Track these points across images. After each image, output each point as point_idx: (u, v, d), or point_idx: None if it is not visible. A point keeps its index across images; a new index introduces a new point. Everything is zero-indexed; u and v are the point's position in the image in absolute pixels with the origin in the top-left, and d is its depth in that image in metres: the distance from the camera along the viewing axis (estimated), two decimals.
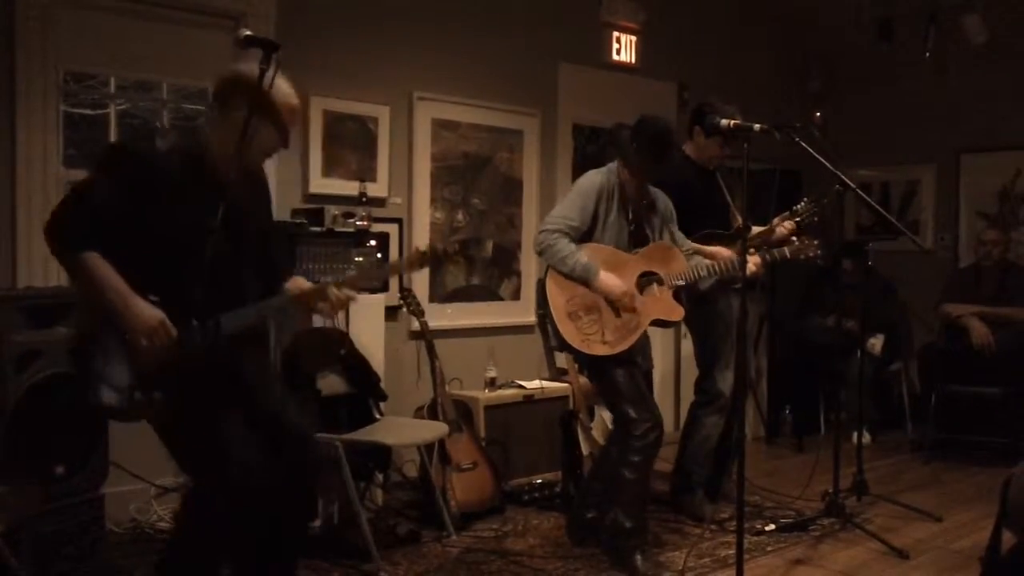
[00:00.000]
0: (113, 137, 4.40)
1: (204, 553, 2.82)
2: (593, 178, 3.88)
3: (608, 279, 3.74)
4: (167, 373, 2.59)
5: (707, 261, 3.98)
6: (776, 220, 4.59)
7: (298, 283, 2.97)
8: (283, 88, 2.76)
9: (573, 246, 3.75)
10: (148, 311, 2.59)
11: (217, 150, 2.75)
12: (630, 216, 3.88)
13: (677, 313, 3.88)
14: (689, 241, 4.15)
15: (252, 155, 2.78)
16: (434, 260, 3.00)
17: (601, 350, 3.74)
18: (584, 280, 3.74)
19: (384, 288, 4.67)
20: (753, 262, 3.94)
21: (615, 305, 3.76)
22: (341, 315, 4.36)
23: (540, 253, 3.83)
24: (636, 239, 3.90)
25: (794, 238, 4.22)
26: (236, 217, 2.69)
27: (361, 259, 4.49)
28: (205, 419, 2.68)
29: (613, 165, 3.91)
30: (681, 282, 3.86)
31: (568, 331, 3.75)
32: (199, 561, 2.82)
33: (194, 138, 2.80)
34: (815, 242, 4.08)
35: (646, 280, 3.84)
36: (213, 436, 2.68)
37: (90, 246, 2.59)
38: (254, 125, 2.67)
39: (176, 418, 2.66)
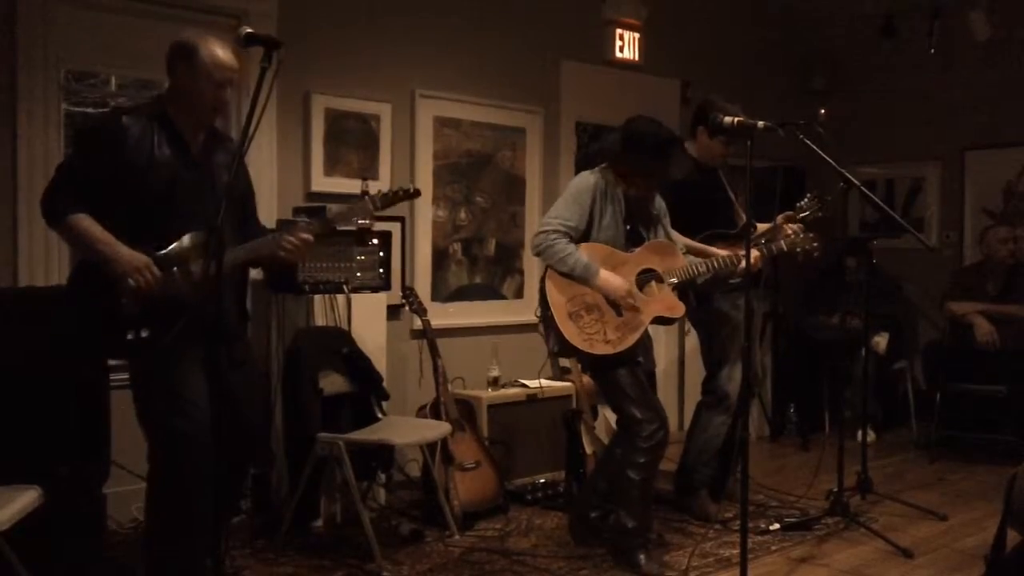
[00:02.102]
0: None
1: (175, 536, 2.98)
2: (587, 178, 3.87)
3: (609, 278, 3.73)
4: (153, 311, 2.92)
5: (701, 258, 3.97)
6: (780, 218, 4.57)
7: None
8: (214, 49, 3.03)
9: (572, 246, 3.74)
10: (133, 255, 2.92)
11: (176, 114, 3.07)
12: (625, 216, 3.87)
13: (678, 310, 3.87)
14: (683, 238, 4.14)
15: (201, 114, 3.09)
16: (392, 199, 3.32)
17: (603, 349, 3.73)
18: (584, 279, 3.73)
19: (387, 287, 4.66)
20: (752, 256, 3.92)
21: (617, 304, 3.74)
22: (343, 314, 4.37)
23: (538, 254, 3.82)
24: (632, 238, 3.89)
25: (790, 231, 4.19)
26: (207, 175, 3.08)
27: (363, 258, 4.48)
28: (171, 358, 2.94)
29: (605, 166, 3.90)
30: (680, 278, 3.85)
31: (570, 331, 3.73)
32: (171, 545, 2.99)
33: (156, 107, 3.09)
34: (811, 235, 4.07)
35: (645, 277, 3.83)
36: (172, 376, 2.96)
37: (75, 211, 2.93)
38: (192, 85, 3.02)
39: (152, 355, 2.94)
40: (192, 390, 2.94)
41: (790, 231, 4.22)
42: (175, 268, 2.98)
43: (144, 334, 2.92)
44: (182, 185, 3.02)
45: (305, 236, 3.13)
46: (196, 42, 3.03)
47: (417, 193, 3.41)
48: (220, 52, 3.03)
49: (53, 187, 3.00)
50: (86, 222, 2.93)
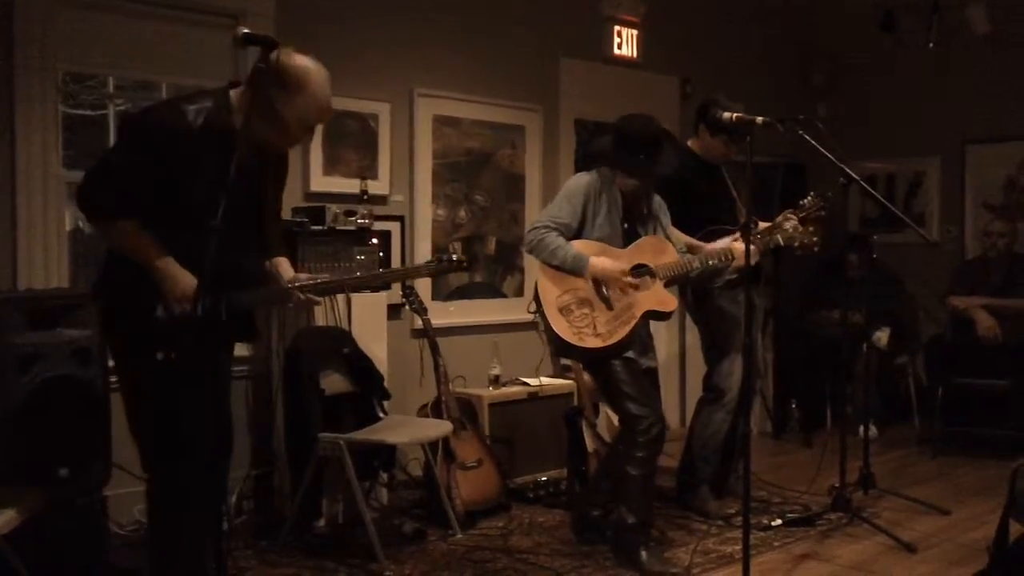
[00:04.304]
0: (111, 138, 4.40)
1: (179, 541, 2.90)
2: (580, 179, 3.90)
3: (601, 261, 3.74)
4: (184, 331, 2.69)
5: (694, 254, 3.97)
6: (781, 216, 4.57)
7: (285, 266, 3.07)
8: (325, 91, 2.85)
9: (562, 239, 3.76)
10: (187, 279, 2.72)
11: (245, 125, 2.73)
12: (623, 216, 3.88)
13: (670, 304, 3.87)
14: (684, 237, 4.14)
15: (278, 143, 2.91)
16: (439, 271, 3.12)
17: (593, 343, 3.74)
18: (576, 269, 3.74)
19: (387, 286, 4.65)
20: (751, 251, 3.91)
21: (613, 286, 3.74)
22: (344, 314, 4.36)
23: (530, 251, 3.85)
24: (629, 237, 3.90)
25: (788, 225, 4.17)
26: (248, 191, 2.78)
27: (363, 257, 4.48)
28: (183, 383, 2.73)
29: (602, 168, 3.91)
30: (673, 274, 3.85)
31: (560, 326, 3.74)
32: (178, 550, 2.91)
33: (224, 108, 2.80)
34: (810, 228, 4.06)
35: (638, 273, 3.83)
36: (191, 383, 2.74)
37: (123, 214, 2.72)
38: (285, 116, 2.77)
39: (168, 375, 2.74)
40: (203, 394, 2.81)
41: (788, 225, 4.22)
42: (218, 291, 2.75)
43: (174, 355, 2.72)
44: (230, 200, 2.67)
45: (314, 299, 3.00)
46: (310, 77, 2.82)
47: (464, 265, 3.14)
48: (328, 95, 2.84)
49: (99, 182, 2.76)
50: (137, 229, 2.73)
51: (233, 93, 2.85)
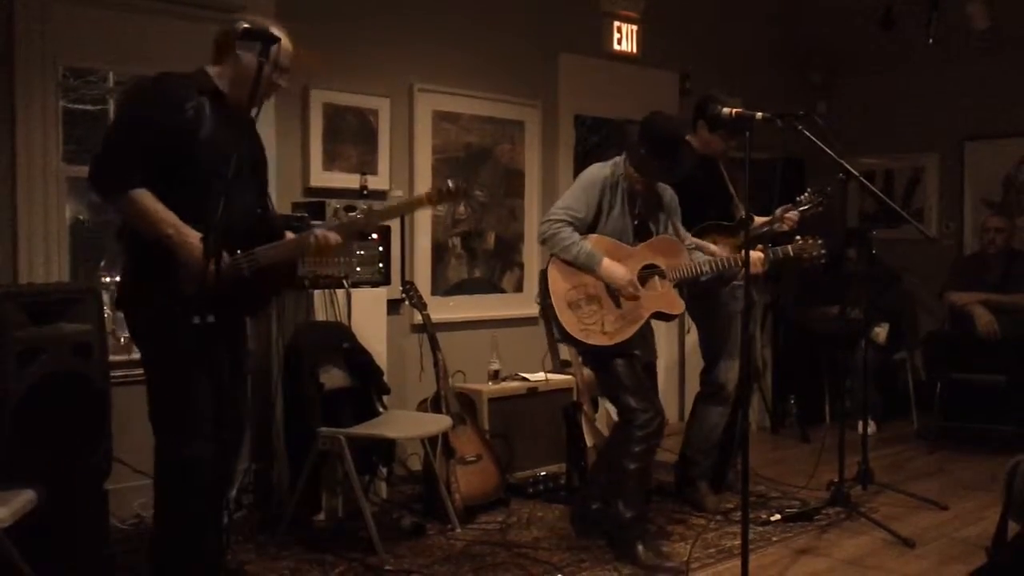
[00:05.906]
0: None
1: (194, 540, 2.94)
2: (597, 171, 3.89)
3: (612, 266, 3.75)
4: (215, 296, 2.70)
5: (707, 257, 3.98)
6: (779, 211, 4.58)
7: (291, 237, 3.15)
8: (283, 35, 3.02)
9: (576, 235, 3.77)
10: (201, 244, 2.75)
11: (231, 92, 2.98)
12: (636, 211, 3.89)
13: (678, 307, 3.89)
14: (691, 236, 4.15)
15: (257, 95, 2.93)
16: (442, 200, 3.24)
17: (600, 340, 3.75)
18: (588, 268, 3.75)
19: (386, 281, 4.66)
20: (757, 259, 3.93)
21: (618, 293, 3.76)
22: (343, 309, 4.36)
23: (543, 242, 3.86)
24: (639, 233, 3.90)
25: (798, 237, 4.18)
26: (250, 154, 2.96)
27: (363, 252, 4.48)
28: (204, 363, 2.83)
29: (619, 159, 3.91)
30: (683, 276, 3.86)
31: (568, 320, 3.75)
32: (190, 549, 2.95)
33: (205, 81, 2.99)
34: (819, 241, 4.06)
35: (648, 272, 3.84)
36: (206, 387, 2.86)
37: (133, 185, 2.79)
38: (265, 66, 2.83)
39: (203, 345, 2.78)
40: (220, 400, 2.89)
41: (788, 226, 4.23)
42: (238, 252, 2.88)
43: (211, 319, 2.70)
44: (235, 162, 2.78)
45: (335, 236, 3.07)
46: (268, 27, 2.95)
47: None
48: (286, 38, 3.03)
49: (108, 155, 2.85)
50: (148, 200, 2.79)
51: (209, 68, 3.04)
